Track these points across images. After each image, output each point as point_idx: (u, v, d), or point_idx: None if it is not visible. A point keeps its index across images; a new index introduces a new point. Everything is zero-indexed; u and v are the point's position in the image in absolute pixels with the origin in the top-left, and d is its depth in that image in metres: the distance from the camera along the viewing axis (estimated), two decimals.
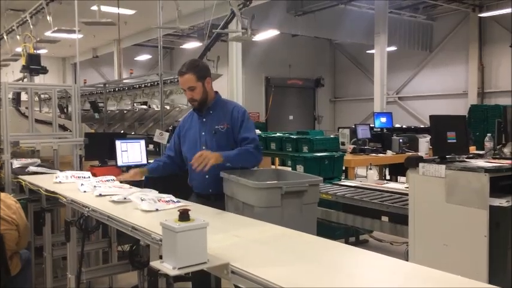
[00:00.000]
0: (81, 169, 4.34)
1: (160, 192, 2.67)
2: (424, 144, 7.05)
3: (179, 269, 1.49)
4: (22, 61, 5.70)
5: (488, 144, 3.93)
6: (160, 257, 1.61)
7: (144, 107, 8.41)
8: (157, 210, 2.37)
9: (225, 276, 1.55)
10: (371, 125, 8.04)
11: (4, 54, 9.50)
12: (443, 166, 3.01)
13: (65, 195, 2.84)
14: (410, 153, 6.58)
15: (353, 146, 6.95)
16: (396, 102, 17.55)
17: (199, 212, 2.18)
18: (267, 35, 13.11)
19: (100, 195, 2.75)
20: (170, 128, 5.59)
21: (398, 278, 1.48)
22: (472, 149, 5.65)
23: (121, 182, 3.12)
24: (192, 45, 17.44)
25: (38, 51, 6.30)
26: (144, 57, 20.12)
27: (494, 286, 1.36)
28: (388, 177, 8.06)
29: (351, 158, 6.35)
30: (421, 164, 3.14)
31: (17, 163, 4.03)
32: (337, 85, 20.36)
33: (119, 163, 4.33)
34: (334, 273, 1.53)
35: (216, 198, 2.89)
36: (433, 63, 16.56)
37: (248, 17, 5.96)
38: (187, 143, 3.08)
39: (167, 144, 4.18)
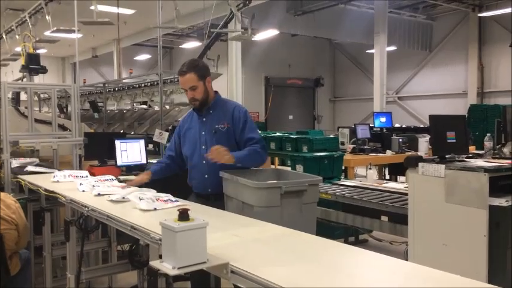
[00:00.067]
0: (80, 169, 4.34)
1: (158, 191, 2.67)
2: (423, 144, 7.05)
3: (179, 268, 1.49)
4: (21, 61, 5.69)
5: (488, 144, 3.93)
6: (160, 257, 1.60)
7: (144, 106, 8.39)
8: (155, 209, 2.37)
9: (225, 276, 1.54)
10: (371, 125, 8.04)
11: (3, 54, 9.50)
12: (443, 166, 3.01)
13: (64, 194, 2.83)
14: (410, 153, 6.58)
15: (353, 145, 6.95)
16: (396, 102, 17.54)
17: (199, 211, 2.18)
18: (266, 34, 13.11)
19: (99, 194, 2.75)
20: (170, 127, 5.58)
21: (398, 278, 1.47)
22: (472, 149, 5.66)
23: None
24: (191, 45, 17.44)
25: (38, 51, 6.28)
26: (143, 56, 20.12)
27: (494, 286, 1.35)
28: (387, 177, 8.05)
29: (350, 158, 6.35)
30: (420, 164, 3.14)
31: (15, 162, 4.04)
32: (337, 85, 20.35)
33: (119, 163, 4.33)
34: (334, 273, 1.53)
35: (215, 198, 2.89)
36: (432, 63, 16.56)
37: (248, 16, 5.96)
38: (187, 143, 3.08)
39: (167, 144, 4.18)
